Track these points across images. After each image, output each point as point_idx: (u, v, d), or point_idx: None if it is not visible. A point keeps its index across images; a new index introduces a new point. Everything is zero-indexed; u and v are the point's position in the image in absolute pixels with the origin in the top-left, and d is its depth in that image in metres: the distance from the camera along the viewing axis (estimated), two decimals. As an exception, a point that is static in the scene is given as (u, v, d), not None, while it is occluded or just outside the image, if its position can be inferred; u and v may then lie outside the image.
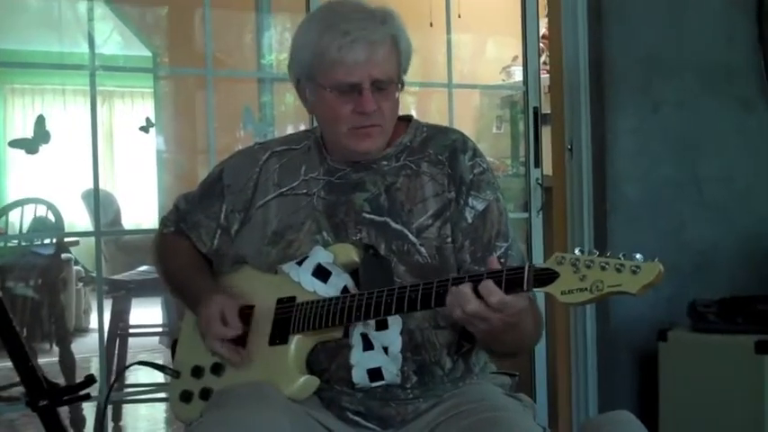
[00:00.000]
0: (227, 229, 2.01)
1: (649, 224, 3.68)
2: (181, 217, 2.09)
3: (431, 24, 4.99)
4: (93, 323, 7.15)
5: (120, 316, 4.42)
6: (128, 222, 7.51)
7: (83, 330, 7.28)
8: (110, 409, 4.30)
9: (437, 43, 4.04)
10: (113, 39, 6.59)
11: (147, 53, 6.26)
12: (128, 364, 4.18)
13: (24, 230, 4.90)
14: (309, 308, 1.81)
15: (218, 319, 1.86)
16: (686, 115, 3.78)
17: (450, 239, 1.88)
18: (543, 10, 4.01)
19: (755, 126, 3.93)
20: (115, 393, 4.03)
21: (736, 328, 3.30)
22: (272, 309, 1.87)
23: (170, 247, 2.10)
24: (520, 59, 4.08)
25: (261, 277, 1.93)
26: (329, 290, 1.82)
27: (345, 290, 1.81)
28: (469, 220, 1.89)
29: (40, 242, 4.74)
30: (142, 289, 4.53)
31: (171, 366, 2.02)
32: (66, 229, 5.51)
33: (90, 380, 2.14)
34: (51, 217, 4.57)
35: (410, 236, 1.87)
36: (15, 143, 3.33)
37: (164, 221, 2.14)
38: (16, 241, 4.82)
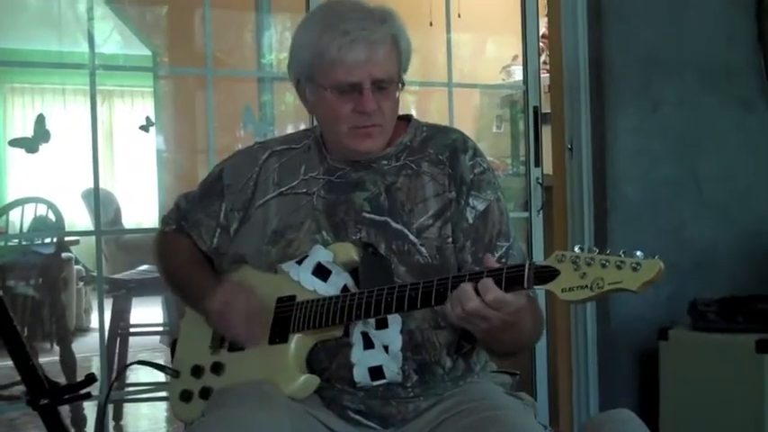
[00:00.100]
0: (227, 228, 2.01)
1: (649, 223, 3.68)
2: (182, 215, 2.10)
3: (431, 24, 4.99)
4: (94, 322, 7.15)
5: (120, 315, 4.42)
6: (128, 222, 7.51)
7: (83, 329, 7.28)
8: (110, 408, 4.30)
9: (437, 42, 4.03)
10: (113, 38, 6.59)
11: (147, 52, 6.26)
12: (128, 363, 4.21)
13: (25, 230, 4.90)
14: (309, 307, 1.81)
15: (234, 291, 1.86)
16: (686, 114, 3.78)
17: (450, 240, 1.88)
18: (543, 9, 4.01)
19: (755, 125, 3.93)
20: (116, 392, 4.03)
21: (736, 327, 3.30)
22: (271, 308, 1.87)
23: (171, 246, 2.10)
24: (520, 59, 4.08)
25: (260, 276, 1.92)
26: (329, 289, 1.82)
27: (345, 289, 1.81)
28: (470, 221, 1.89)
29: (40, 241, 4.74)
30: (142, 288, 4.53)
31: (171, 366, 2.02)
32: (67, 229, 5.51)
33: (91, 379, 2.14)
34: (52, 216, 4.57)
35: (410, 236, 1.87)
36: (15, 142, 3.33)
37: (165, 220, 2.14)
38: (17, 240, 4.82)
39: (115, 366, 4.12)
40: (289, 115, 4.66)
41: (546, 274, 1.54)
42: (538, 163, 3.78)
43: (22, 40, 6.89)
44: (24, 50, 6.81)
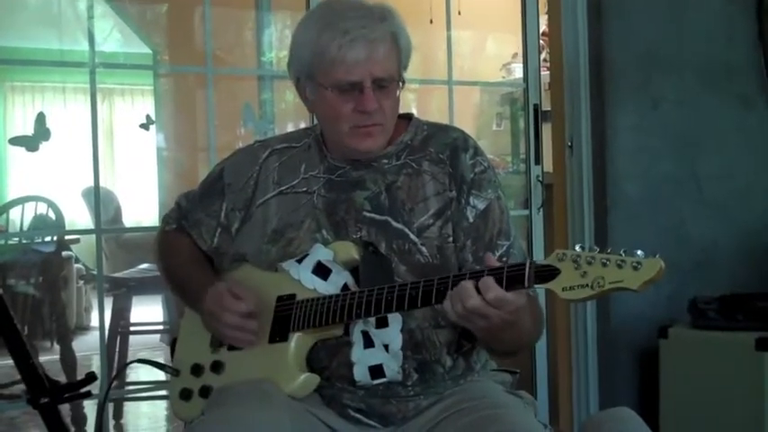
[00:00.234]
0: (228, 228, 2.01)
1: (649, 221, 3.68)
2: (182, 215, 2.09)
3: (431, 21, 4.99)
4: (94, 321, 7.15)
5: (120, 314, 4.42)
6: (128, 220, 7.50)
7: (84, 328, 7.28)
8: (111, 406, 4.30)
9: (437, 40, 4.03)
10: (113, 36, 6.58)
11: (148, 51, 6.26)
12: (128, 361, 4.21)
13: (25, 228, 4.90)
14: (309, 305, 1.81)
15: (227, 295, 1.85)
16: (686, 112, 3.78)
17: (451, 239, 1.88)
18: (543, 7, 4.01)
19: (755, 123, 3.93)
20: (116, 391, 4.03)
21: (736, 325, 3.30)
22: (271, 306, 1.87)
23: (171, 245, 2.10)
24: (520, 56, 4.08)
25: (261, 275, 1.92)
26: (329, 287, 1.81)
27: (345, 287, 1.81)
28: (471, 220, 1.89)
29: (40, 240, 4.74)
30: (143, 287, 4.53)
31: (171, 364, 2.02)
32: (67, 227, 5.52)
33: (91, 377, 2.14)
34: (52, 215, 4.57)
35: (411, 235, 1.87)
36: (16, 140, 3.33)
37: (165, 219, 2.14)
38: (17, 239, 4.82)
39: (115, 365, 4.12)
40: (289, 113, 4.66)
41: (547, 273, 1.54)
42: (538, 161, 3.78)
43: (23, 39, 6.88)
44: (25, 49, 6.80)
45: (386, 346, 1.79)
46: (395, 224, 1.87)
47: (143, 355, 2.70)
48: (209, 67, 3.31)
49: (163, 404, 4.74)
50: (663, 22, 3.75)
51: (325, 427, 1.82)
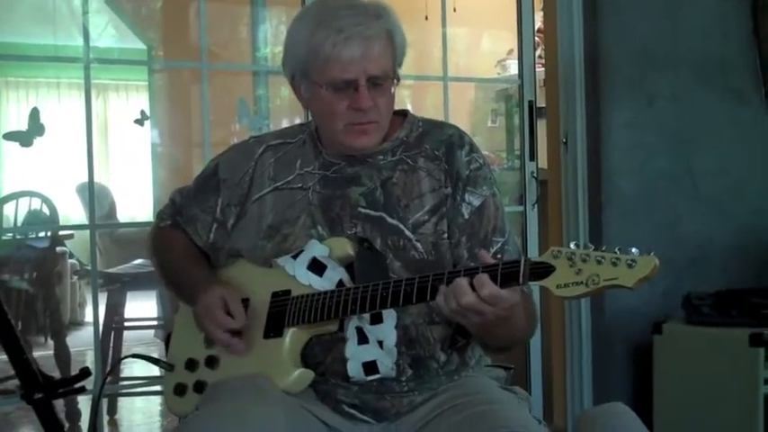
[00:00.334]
0: (224, 224, 2.01)
1: (644, 217, 3.69)
2: (177, 210, 2.09)
3: (426, 18, 4.98)
4: (88, 316, 7.15)
5: (115, 309, 4.42)
6: (122, 215, 7.50)
7: (78, 324, 7.27)
8: (105, 402, 4.30)
9: (432, 37, 4.03)
10: (108, 32, 6.57)
11: (142, 46, 6.25)
12: (122, 356, 4.20)
13: (19, 223, 4.90)
14: (304, 301, 1.81)
15: (220, 308, 1.85)
16: (681, 109, 3.79)
17: (446, 235, 1.88)
18: (538, 3, 4.00)
19: (750, 119, 3.94)
20: (110, 386, 4.03)
21: (730, 321, 3.31)
22: (266, 302, 1.87)
23: (166, 240, 2.09)
24: (515, 53, 4.08)
25: (256, 270, 1.92)
26: (324, 283, 1.82)
27: (341, 283, 1.81)
28: (466, 216, 1.89)
29: (34, 235, 4.73)
30: (137, 282, 4.53)
31: (165, 359, 2.02)
32: (61, 222, 5.51)
33: (85, 373, 2.13)
34: (46, 210, 4.57)
35: (406, 231, 1.87)
36: (9, 136, 3.32)
37: (160, 215, 2.14)
38: (11, 234, 4.82)
39: (109, 360, 4.12)
40: (284, 109, 4.66)
41: (541, 270, 1.55)
42: (533, 157, 3.78)
43: (17, 34, 6.86)
44: (19, 44, 6.79)
45: (380, 343, 1.79)
46: (390, 220, 1.87)
47: (137, 350, 2.71)
48: (203, 63, 3.30)
49: (157, 399, 4.73)
50: (658, 19, 3.76)
51: (320, 422, 1.82)
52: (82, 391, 2.17)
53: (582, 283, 1.51)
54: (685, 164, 3.80)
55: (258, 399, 1.71)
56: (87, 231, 3.28)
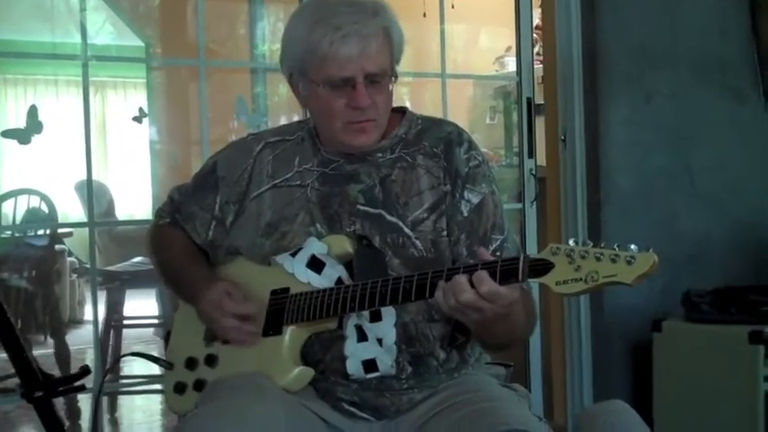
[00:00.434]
0: (222, 221, 2.01)
1: (642, 214, 3.69)
2: (175, 208, 2.09)
3: (424, 15, 4.97)
4: (88, 314, 7.13)
5: (114, 307, 4.42)
6: (121, 213, 7.50)
7: (77, 322, 7.27)
8: (105, 400, 4.30)
9: (431, 33, 4.03)
10: (106, 29, 6.56)
11: (140, 43, 6.24)
12: (121, 355, 4.20)
13: (18, 221, 4.89)
14: (303, 299, 1.81)
15: (227, 297, 1.86)
16: (679, 106, 3.79)
17: (445, 233, 1.88)
18: (536, 0, 4.00)
19: (748, 117, 3.94)
20: (110, 384, 4.03)
21: (729, 318, 3.31)
22: (265, 300, 1.87)
23: (165, 238, 2.09)
24: (513, 50, 4.08)
25: (255, 268, 1.93)
26: (323, 281, 1.82)
27: (339, 281, 1.81)
28: (465, 214, 1.89)
29: (33, 233, 4.72)
30: (136, 280, 4.52)
31: (165, 358, 2.02)
32: (60, 220, 5.51)
33: (85, 371, 2.13)
34: (45, 208, 4.57)
35: (405, 229, 1.87)
36: (8, 133, 3.31)
37: (159, 213, 2.14)
38: (10, 232, 4.82)
39: (109, 358, 4.12)
40: (282, 106, 4.66)
41: (540, 267, 1.55)
42: (531, 154, 3.78)
43: (15, 31, 6.85)
44: (17, 41, 6.77)
45: (379, 341, 1.80)
46: (389, 218, 1.87)
47: (137, 348, 2.71)
48: (201, 60, 3.30)
49: (157, 398, 4.73)
50: (656, 16, 3.75)
51: (319, 420, 1.82)
52: (82, 389, 2.16)
53: (581, 279, 1.51)
54: (683, 161, 3.80)
55: (258, 397, 1.71)
56: (86, 229, 3.28)
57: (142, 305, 5.13)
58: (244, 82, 4.40)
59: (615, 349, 3.67)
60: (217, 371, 1.90)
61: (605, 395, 3.54)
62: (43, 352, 4.64)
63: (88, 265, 3.70)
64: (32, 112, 3.30)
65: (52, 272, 4.99)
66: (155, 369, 2.28)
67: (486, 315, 1.61)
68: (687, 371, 3.35)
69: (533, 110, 3.79)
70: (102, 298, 4.18)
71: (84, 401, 4.15)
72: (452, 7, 4.10)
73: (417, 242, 1.86)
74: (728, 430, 3.24)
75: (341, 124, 1.86)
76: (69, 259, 7.01)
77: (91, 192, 3.23)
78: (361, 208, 1.89)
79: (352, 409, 1.84)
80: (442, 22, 3.76)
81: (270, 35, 4.63)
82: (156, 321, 4.89)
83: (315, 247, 1.85)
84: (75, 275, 7.30)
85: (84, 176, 3.19)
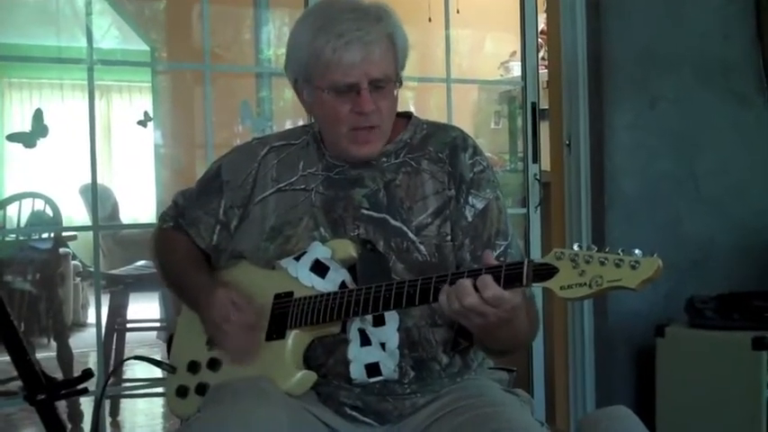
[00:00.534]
0: (227, 225, 2.01)
1: (647, 219, 3.68)
2: (179, 212, 2.09)
3: (429, 20, 4.99)
4: (91, 318, 7.16)
5: (117, 311, 4.42)
6: (125, 217, 7.50)
7: (81, 325, 7.27)
8: (107, 403, 4.30)
9: (436, 38, 4.04)
10: (111, 33, 6.58)
11: (145, 48, 6.26)
12: (124, 358, 4.21)
13: (22, 225, 4.89)
14: (307, 303, 1.81)
15: (231, 306, 1.85)
16: (683, 110, 3.79)
17: (449, 237, 1.88)
18: (542, 5, 4.02)
19: (752, 121, 3.94)
20: (112, 388, 4.03)
21: (733, 324, 3.30)
22: (269, 304, 1.87)
23: (168, 242, 2.09)
24: (518, 55, 4.07)
25: (258, 272, 1.92)
26: (327, 285, 1.81)
27: (343, 285, 1.81)
28: (469, 219, 1.89)
29: (37, 236, 4.73)
30: (140, 284, 4.53)
31: (167, 361, 2.02)
32: (64, 224, 5.50)
33: (87, 374, 2.14)
34: (49, 211, 4.57)
35: (409, 233, 1.87)
36: (13, 137, 3.32)
37: (162, 217, 2.14)
38: (14, 235, 4.82)
39: (112, 362, 4.12)
40: (287, 111, 4.66)
41: (545, 272, 1.55)
42: (536, 159, 3.78)
43: (21, 35, 6.87)
44: (22, 45, 6.80)
45: (383, 345, 1.79)
46: (393, 222, 1.87)
47: (140, 352, 2.71)
48: (206, 65, 3.30)
49: (159, 401, 4.73)
50: (661, 21, 3.75)
51: (322, 424, 1.81)
52: (84, 392, 2.17)
53: (585, 284, 1.50)
54: (688, 166, 3.79)
55: (261, 401, 1.71)
56: (90, 233, 3.28)
57: (145, 309, 5.14)
58: (249, 86, 4.40)
59: (618, 355, 3.67)
60: (219, 375, 1.90)
61: (608, 401, 3.53)
62: (46, 355, 4.64)
63: (92, 269, 3.71)
64: (38, 115, 3.31)
65: (56, 275, 4.99)
66: (157, 372, 2.29)
67: (489, 320, 1.61)
68: (690, 377, 3.35)
69: (538, 115, 3.79)
70: (105, 301, 4.18)
71: (87, 404, 4.15)
72: (458, 12, 4.10)
73: (421, 247, 1.86)
74: (732, 436, 3.24)
75: (346, 131, 1.86)
76: (73, 262, 7.02)
77: (95, 195, 3.24)
78: (366, 212, 1.89)
79: (354, 413, 1.84)
80: (447, 27, 3.76)
81: (275, 40, 4.63)
82: (158, 325, 4.89)
83: (319, 251, 1.85)
84: (78, 279, 7.31)
85: (88, 180, 3.20)
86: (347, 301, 1.75)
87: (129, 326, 4.52)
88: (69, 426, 3.99)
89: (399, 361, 1.81)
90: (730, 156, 3.88)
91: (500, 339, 1.77)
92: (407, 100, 5.65)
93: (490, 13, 5.79)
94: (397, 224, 1.87)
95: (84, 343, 5.75)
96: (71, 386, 2.12)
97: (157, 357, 2.11)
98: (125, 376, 4.91)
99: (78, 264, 7.19)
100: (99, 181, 3.20)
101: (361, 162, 1.92)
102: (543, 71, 4.08)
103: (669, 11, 3.77)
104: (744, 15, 3.90)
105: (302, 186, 1.95)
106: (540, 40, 4.07)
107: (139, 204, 8.25)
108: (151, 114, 5.10)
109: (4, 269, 4.53)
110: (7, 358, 2.10)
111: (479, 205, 1.90)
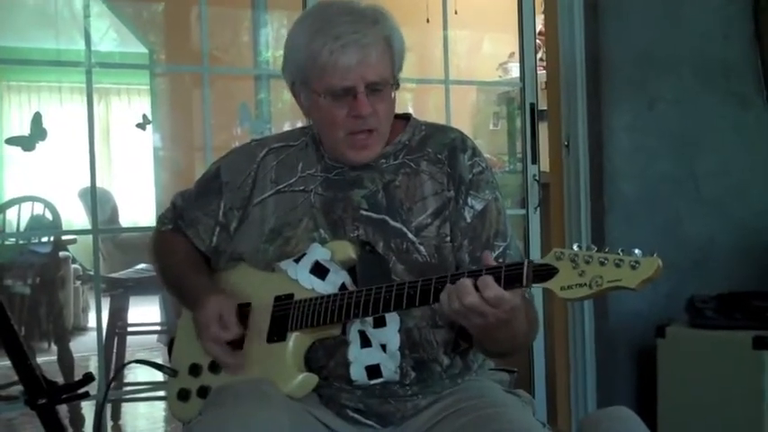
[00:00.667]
0: (227, 227, 2.00)
1: (646, 220, 3.68)
2: (178, 214, 2.09)
3: (427, 21, 4.98)
4: (92, 322, 7.14)
5: (118, 314, 4.41)
6: (125, 220, 7.51)
7: (81, 329, 7.27)
8: (109, 407, 4.30)
9: (434, 39, 4.04)
10: (110, 36, 6.58)
11: (144, 50, 6.26)
12: (125, 362, 4.20)
13: (22, 228, 4.89)
14: (307, 305, 1.81)
15: (216, 322, 1.85)
16: (683, 111, 3.79)
17: (448, 238, 1.88)
18: (540, 6, 4.00)
19: (752, 122, 3.94)
20: (114, 392, 4.03)
21: (734, 324, 3.30)
22: (269, 306, 1.87)
23: (167, 244, 2.09)
24: (516, 56, 4.08)
25: (258, 275, 1.92)
26: (327, 287, 1.81)
27: (343, 287, 1.80)
28: (468, 220, 1.89)
29: (37, 240, 4.73)
30: (140, 287, 4.52)
31: (168, 365, 2.02)
32: (64, 227, 5.51)
33: (88, 378, 2.13)
34: (49, 215, 4.56)
35: (409, 234, 1.86)
36: (12, 140, 3.32)
37: (161, 219, 2.14)
38: (14, 239, 4.81)
39: (113, 366, 4.12)
40: (285, 113, 4.66)
41: (545, 272, 1.55)
42: (535, 160, 3.78)
43: (19, 38, 6.88)
44: (21, 48, 6.79)
45: (383, 346, 1.79)
46: (392, 223, 1.87)
47: (141, 355, 2.71)
48: (205, 67, 3.30)
49: (161, 405, 4.73)
50: (659, 21, 3.76)
51: (324, 426, 1.81)
52: (85, 396, 2.17)
53: (585, 284, 1.50)
54: (687, 167, 3.80)
55: (262, 403, 1.71)
56: (90, 236, 3.28)
57: (146, 312, 5.13)
58: (247, 89, 4.40)
59: (619, 355, 3.67)
60: (221, 377, 1.90)
61: (609, 401, 3.53)
62: (47, 359, 4.64)
63: (92, 272, 3.71)
64: (36, 119, 3.31)
65: (56, 279, 4.99)
66: (158, 376, 2.28)
67: (488, 320, 1.61)
68: (691, 377, 3.35)
69: (536, 116, 3.79)
70: (105, 305, 4.17)
71: (88, 409, 4.15)
72: (456, 13, 4.10)
73: (421, 248, 1.86)
74: (733, 436, 3.24)
75: (343, 134, 1.86)
76: (73, 266, 7.02)
77: (95, 199, 3.24)
78: (365, 213, 1.89)
79: (356, 416, 1.84)
80: (445, 28, 3.77)
81: (273, 42, 4.63)
82: (159, 328, 4.89)
83: (318, 252, 1.85)
84: (78, 282, 7.30)
85: (87, 183, 3.20)
86: (347, 303, 1.75)
87: (129, 329, 4.51)
88: (70, 430, 3.99)
89: (400, 362, 1.80)
90: (730, 156, 3.88)
91: (499, 341, 1.76)
92: (406, 101, 5.65)
93: (488, 15, 5.79)
94: (397, 225, 1.87)
95: (85, 347, 5.75)
96: (72, 390, 2.12)
97: (158, 361, 2.11)
98: (126, 380, 4.90)
99: (78, 267, 7.19)
100: (98, 184, 3.20)
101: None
102: (542, 72, 4.08)
103: (667, 12, 3.77)
104: (742, 16, 3.91)
105: (301, 188, 1.95)
106: (538, 41, 4.07)
107: (139, 207, 8.26)
108: (150, 117, 5.09)
109: (4, 273, 4.52)
110: (8, 362, 2.09)
111: (478, 206, 1.90)
